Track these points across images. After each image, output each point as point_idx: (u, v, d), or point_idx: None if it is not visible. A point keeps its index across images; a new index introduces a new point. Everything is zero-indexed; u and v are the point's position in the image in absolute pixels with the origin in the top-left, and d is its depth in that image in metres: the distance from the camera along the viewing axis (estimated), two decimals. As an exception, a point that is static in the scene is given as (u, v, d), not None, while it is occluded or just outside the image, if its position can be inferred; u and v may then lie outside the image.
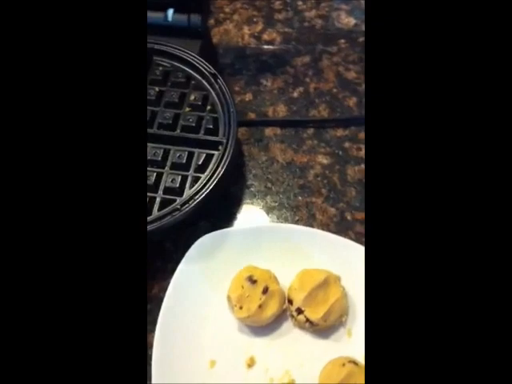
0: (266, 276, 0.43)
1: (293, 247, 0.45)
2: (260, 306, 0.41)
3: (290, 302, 0.42)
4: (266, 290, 0.41)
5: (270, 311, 0.41)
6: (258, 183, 0.52)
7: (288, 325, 0.43)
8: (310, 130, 0.55)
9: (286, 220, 0.50)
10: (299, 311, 0.41)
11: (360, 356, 0.40)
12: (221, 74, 0.59)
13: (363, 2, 0.64)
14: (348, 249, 0.44)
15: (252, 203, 0.51)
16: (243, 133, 0.56)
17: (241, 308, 0.41)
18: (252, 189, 0.52)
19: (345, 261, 0.44)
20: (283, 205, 0.51)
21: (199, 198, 0.45)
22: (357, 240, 0.47)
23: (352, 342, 0.41)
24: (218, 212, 0.50)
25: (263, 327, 0.42)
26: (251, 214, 0.51)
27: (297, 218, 0.50)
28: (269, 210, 0.51)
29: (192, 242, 0.45)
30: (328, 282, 0.42)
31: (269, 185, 0.52)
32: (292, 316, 0.42)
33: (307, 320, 0.41)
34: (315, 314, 0.41)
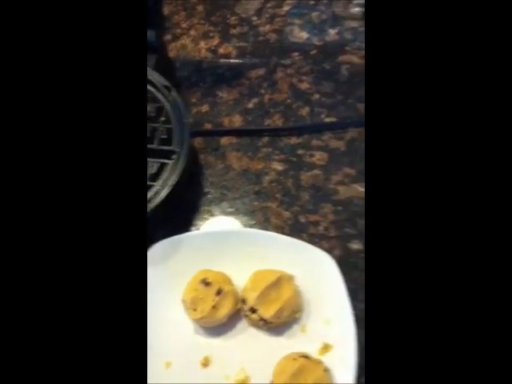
0: (220, 278, 0.44)
1: (248, 250, 0.46)
2: (213, 307, 0.42)
3: (244, 301, 0.43)
4: (219, 292, 0.42)
5: (223, 311, 0.42)
6: (215, 190, 0.54)
7: (243, 324, 0.44)
8: (265, 139, 0.57)
9: (242, 224, 0.51)
10: (252, 310, 0.42)
11: (314, 351, 0.41)
12: (178, 87, 0.61)
13: (315, 17, 0.67)
14: (301, 249, 0.46)
15: (209, 210, 0.52)
16: (200, 142, 0.57)
17: (195, 310, 0.42)
18: (209, 196, 0.53)
19: (298, 261, 0.45)
20: (239, 210, 0.52)
21: (153, 204, 0.46)
22: (310, 241, 0.49)
23: (306, 338, 0.43)
24: (174, 219, 0.51)
25: (218, 327, 0.43)
26: (208, 220, 0.52)
27: (253, 222, 0.51)
28: (225, 215, 0.52)
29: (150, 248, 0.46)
30: (280, 281, 0.43)
31: (225, 191, 0.54)
32: (246, 315, 0.43)
33: (261, 318, 0.42)
34: (268, 312, 0.42)
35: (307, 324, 0.44)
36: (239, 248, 0.46)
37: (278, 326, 0.43)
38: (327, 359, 0.41)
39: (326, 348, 0.42)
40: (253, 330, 0.43)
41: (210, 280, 0.43)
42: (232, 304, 0.43)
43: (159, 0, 0.57)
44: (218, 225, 0.51)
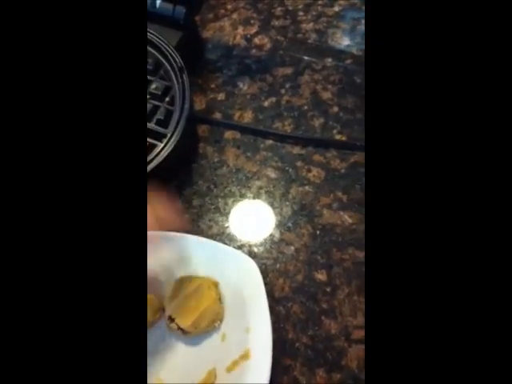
0: None
1: (177, 255, 0.45)
2: None
3: (164, 310, 0.43)
4: None
5: None
6: (202, 182, 0.53)
7: (163, 332, 0.43)
8: (269, 142, 0.55)
9: (216, 224, 0.50)
10: (171, 319, 0.42)
11: (232, 360, 0.41)
12: (202, 69, 0.60)
13: (363, 24, 0.63)
14: (226, 254, 0.44)
15: (190, 200, 0.52)
16: (204, 130, 0.56)
17: None
18: (194, 187, 0.52)
19: (223, 266, 0.44)
20: (218, 209, 0.51)
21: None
22: (276, 259, 0.47)
23: (225, 347, 0.42)
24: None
25: None
26: (186, 211, 0.51)
27: (226, 224, 0.50)
28: (203, 211, 0.51)
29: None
30: (201, 288, 0.42)
31: (212, 186, 0.53)
32: (166, 324, 0.42)
33: (179, 327, 0.41)
34: (185, 321, 0.41)
35: (227, 332, 0.42)
36: (168, 252, 0.45)
37: (196, 334, 0.42)
38: (244, 366, 0.40)
39: (244, 356, 0.41)
40: (172, 339, 0.42)
41: None
42: (151, 313, 0.42)
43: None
44: (191, 218, 0.51)
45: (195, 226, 0.50)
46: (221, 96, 0.59)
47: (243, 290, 0.43)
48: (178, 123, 0.49)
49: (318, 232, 0.49)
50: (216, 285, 0.44)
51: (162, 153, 0.47)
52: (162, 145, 0.48)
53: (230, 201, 0.52)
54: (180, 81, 0.52)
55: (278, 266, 0.47)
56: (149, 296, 0.43)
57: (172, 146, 0.48)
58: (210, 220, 0.51)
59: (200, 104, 0.58)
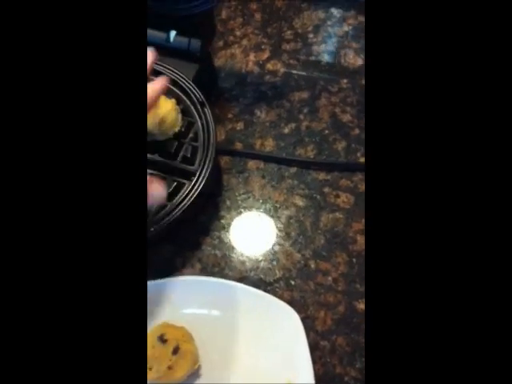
0: (179, 334, 0.42)
1: (209, 300, 0.45)
2: (169, 367, 0.40)
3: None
4: (176, 351, 0.41)
5: (179, 372, 0.41)
6: (230, 216, 0.52)
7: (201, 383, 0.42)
8: (293, 169, 0.55)
9: (249, 258, 0.50)
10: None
11: None
12: (217, 99, 0.59)
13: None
14: (267, 303, 0.44)
15: (219, 236, 0.51)
16: (226, 161, 0.56)
17: (150, 369, 0.40)
18: (222, 221, 0.52)
19: (264, 316, 0.44)
20: (249, 243, 0.50)
21: (161, 225, 0.45)
22: (315, 291, 0.47)
23: None
24: (184, 238, 0.50)
25: None
26: (216, 246, 0.50)
27: (260, 258, 0.49)
28: (235, 246, 0.50)
29: (156, 264, 0.47)
30: None
31: (240, 219, 0.52)
32: None
33: None
34: None
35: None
36: (199, 298, 0.45)
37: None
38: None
39: None
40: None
41: (166, 337, 0.41)
42: (189, 364, 0.41)
43: (211, 10, 0.55)
44: (222, 254, 0.50)
45: (228, 262, 0.49)
46: (239, 125, 0.58)
47: (284, 341, 0.42)
48: (205, 159, 0.49)
49: (354, 260, 0.48)
50: None
51: (191, 192, 0.47)
52: (192, 183, 0.47)
53: (260, 234, 0.51)
54: (202, 116, 0.51)
55: (317, 297, 0.47)
56: (188, 345, 0.42)
57: (202, 183, 0.47)
58: (241, 255, 0.50)
59: (219, 135, 0.58)
